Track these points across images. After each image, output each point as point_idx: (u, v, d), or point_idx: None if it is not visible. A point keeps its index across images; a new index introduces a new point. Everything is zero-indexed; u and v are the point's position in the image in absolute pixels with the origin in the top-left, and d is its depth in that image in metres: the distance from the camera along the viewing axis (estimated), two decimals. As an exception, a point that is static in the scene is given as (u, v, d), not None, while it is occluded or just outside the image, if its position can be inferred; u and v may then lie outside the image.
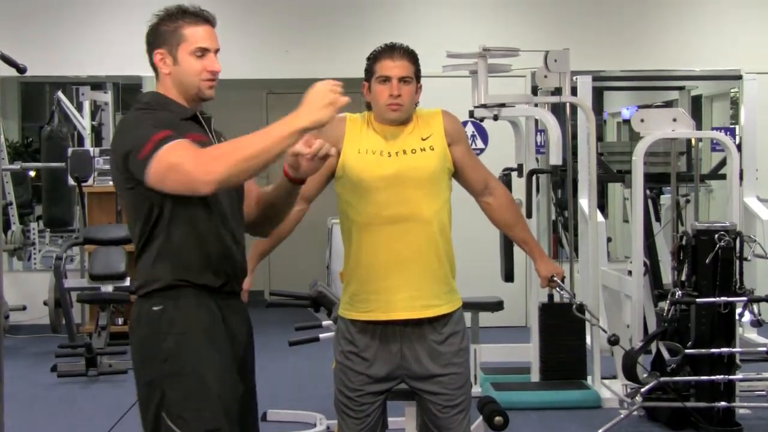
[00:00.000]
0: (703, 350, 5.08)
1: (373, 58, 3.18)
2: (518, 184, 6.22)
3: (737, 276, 5.13)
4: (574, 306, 3.67)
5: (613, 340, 4.80)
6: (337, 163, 3.17)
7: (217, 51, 2.77)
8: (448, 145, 3.21)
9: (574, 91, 6.24)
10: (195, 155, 2.50)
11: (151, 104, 2.76)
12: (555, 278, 3.41)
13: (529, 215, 6.05)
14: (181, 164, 2.50)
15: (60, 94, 8.73)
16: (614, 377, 5.87)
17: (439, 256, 3.15)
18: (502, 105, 5.74)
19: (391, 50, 3.16)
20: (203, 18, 2.77)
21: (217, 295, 2.74)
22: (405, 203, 3.11)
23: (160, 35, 2.75)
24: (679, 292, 5.15)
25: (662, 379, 5.05)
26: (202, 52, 2.73)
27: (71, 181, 8.03)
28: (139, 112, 2.74)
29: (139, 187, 2.64)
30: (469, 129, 8.30)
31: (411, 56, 3.17)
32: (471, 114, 5.82)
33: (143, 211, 2.69)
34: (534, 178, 6.26)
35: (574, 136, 6.66)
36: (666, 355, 5.06)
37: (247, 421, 2.82)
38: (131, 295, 2.91)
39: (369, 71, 3.18)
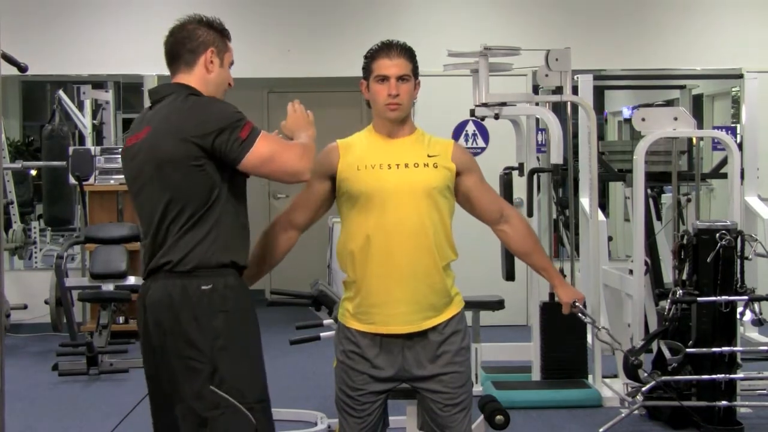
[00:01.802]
0: (704, 349, 5.08)
1: (371, 57, 3.16)
2: (519, 182, 6.22)
3: (738, 275, 5.12)
4: (596, 332, 3.66)
5: (637, 364, 4.81)
6: (334, 189, 3.17)
7: None
8: (459, 174, 3.18)
9: (575, 90, 6.24)
10: (290, 147, 2.88)
11: (198, 93, 2.92)
12: (577, 303, 3.39)
13: (530, 214, 6.05)
14: (283, 153, 2.85)
15: (61, 92, 8.72)
16: (615, 376, 5.87)
17: (439, 270, 3.14)
18: (503, 104, 5.73)
19: (388, 48, 3.13)
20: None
21: (242, 275, 2.96)
22: (405, 216, 3.09)
23: (213, 36, 2.96)
24: (680, 291, 5.15)
25: (663, 378, 5.05)
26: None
27: (72, 180, 8.03)
28: (199, 96, 2.90)
29: (208, 166, 2.80)
30: (470, 128, 8.30)
31: (408, 54, 3.15)
32: (472, 113, 5.82)
33: (203, 192, 2.82)
34: (535, 177, 6.26)
35: (575, 135, 6.66)
36: (667, 354, 5.05)
37: None
38: (143, 281, 2.94)
39: (367, 69, 3.17)
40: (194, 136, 2.78)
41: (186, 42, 2.93)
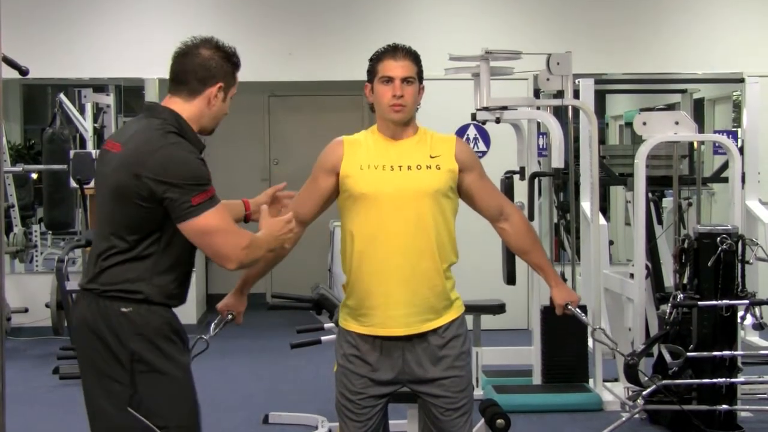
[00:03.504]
0: (704, 353, 5.08)
1: (376, 59, 3.16)
2: (520, 187, 6.22)
3: (739, 279, 5.12)
4: (591, 331, 3.64)
5: (632, 363, 4.81)
6: (337, 185, 3.16)
7: None
8: (460, 171, 3.18)
9: (576, 94, 6.25)
10: (235, 234, 2.77)
11: (183, 130, 2.82)
12: (570, 306, 3.37)
13: (531, 218, 6.05)
14: (225, 235, 2.74)
15: (62, 96, 8.71)
16: (616, 380, 5.87)
17: (440, 272, 3.14)
18: (505, 108, 5.74)
19: (394, 50, 3.15)
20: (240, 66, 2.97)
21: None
22: (406, 219, 3.09)
23: (225, 70, 2.90)
24: (681, 295, 5.15)
25: (664, 382, 5.05)
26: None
27: (73, 184, 8.02)
28: (179, 138, 2.79)
29: (155, 211, 2.73)
30: (471, 132, 8.30)
31: (414, 57, 3.16)
32: (473, 117, 5.82)
33: (145, 229, 2.78)
34: (536, 181, 6.26)
35: (576, 139, 6.66)
36: (668, 358, 5.05)
37: None
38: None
39: (371, 72, 3.17)
40: (149, 177, 2.70)
41: (198, 71, 2.84)
